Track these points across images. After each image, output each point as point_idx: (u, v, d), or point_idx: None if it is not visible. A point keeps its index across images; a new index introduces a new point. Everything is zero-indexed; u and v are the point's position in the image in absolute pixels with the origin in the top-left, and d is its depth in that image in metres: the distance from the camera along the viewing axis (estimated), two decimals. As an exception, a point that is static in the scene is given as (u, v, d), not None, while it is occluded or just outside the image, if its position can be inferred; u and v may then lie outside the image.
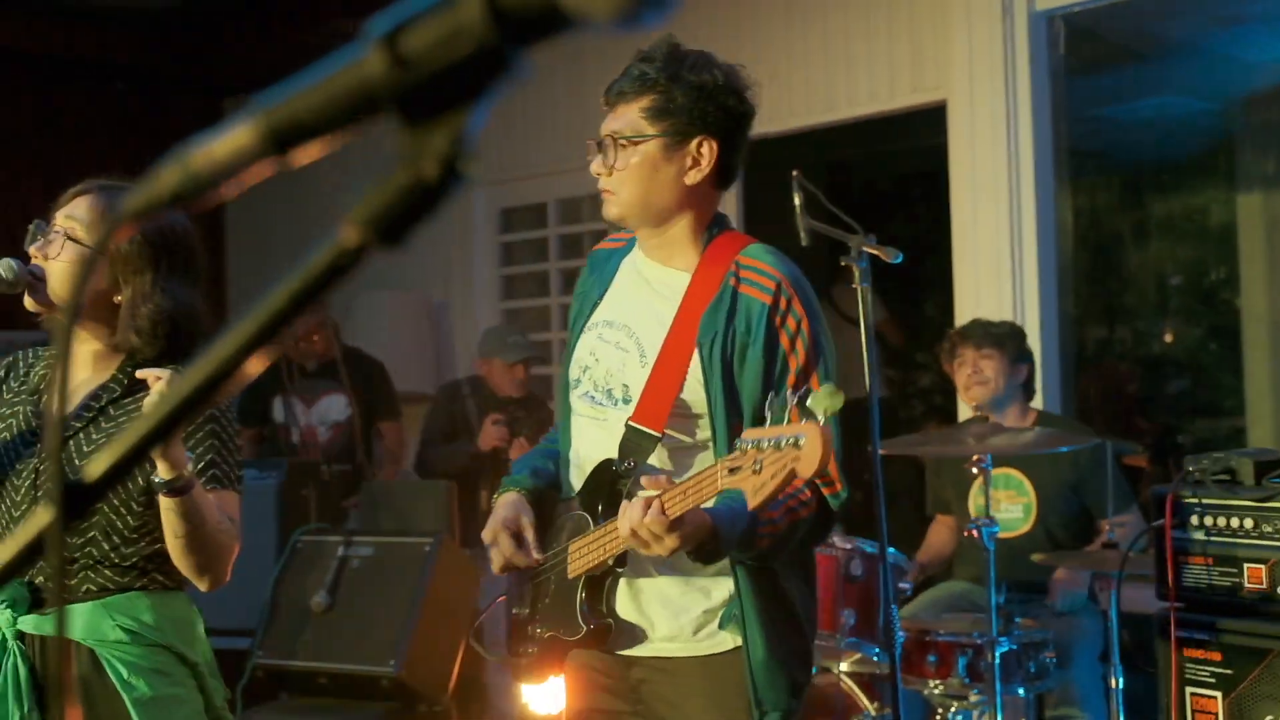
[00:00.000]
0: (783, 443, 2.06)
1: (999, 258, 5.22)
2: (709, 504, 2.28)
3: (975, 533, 3.79)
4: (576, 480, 2.60)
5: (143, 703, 2.47)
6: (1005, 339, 4.60)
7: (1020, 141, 5.20)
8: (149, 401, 2.30)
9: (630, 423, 2.48)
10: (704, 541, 2.28)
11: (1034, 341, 5.12)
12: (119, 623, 2.50)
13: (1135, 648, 3.87)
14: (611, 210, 2.54)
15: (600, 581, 2.50)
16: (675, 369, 2.47)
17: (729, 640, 2.48)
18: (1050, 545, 4.43)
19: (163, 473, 2.33)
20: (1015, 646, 3.92)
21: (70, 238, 2.54)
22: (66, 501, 0.69)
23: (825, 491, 2.41)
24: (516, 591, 2.67)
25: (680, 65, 2.47)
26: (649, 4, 0.60)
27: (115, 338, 2.57)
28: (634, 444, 2.47)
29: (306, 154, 0.66)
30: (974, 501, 4.49)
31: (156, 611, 2.54)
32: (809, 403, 2.07)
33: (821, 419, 2.06)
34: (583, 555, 2.48)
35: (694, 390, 2.45)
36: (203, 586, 2.51)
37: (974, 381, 4.55)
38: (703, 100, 2.45)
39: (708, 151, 2.47)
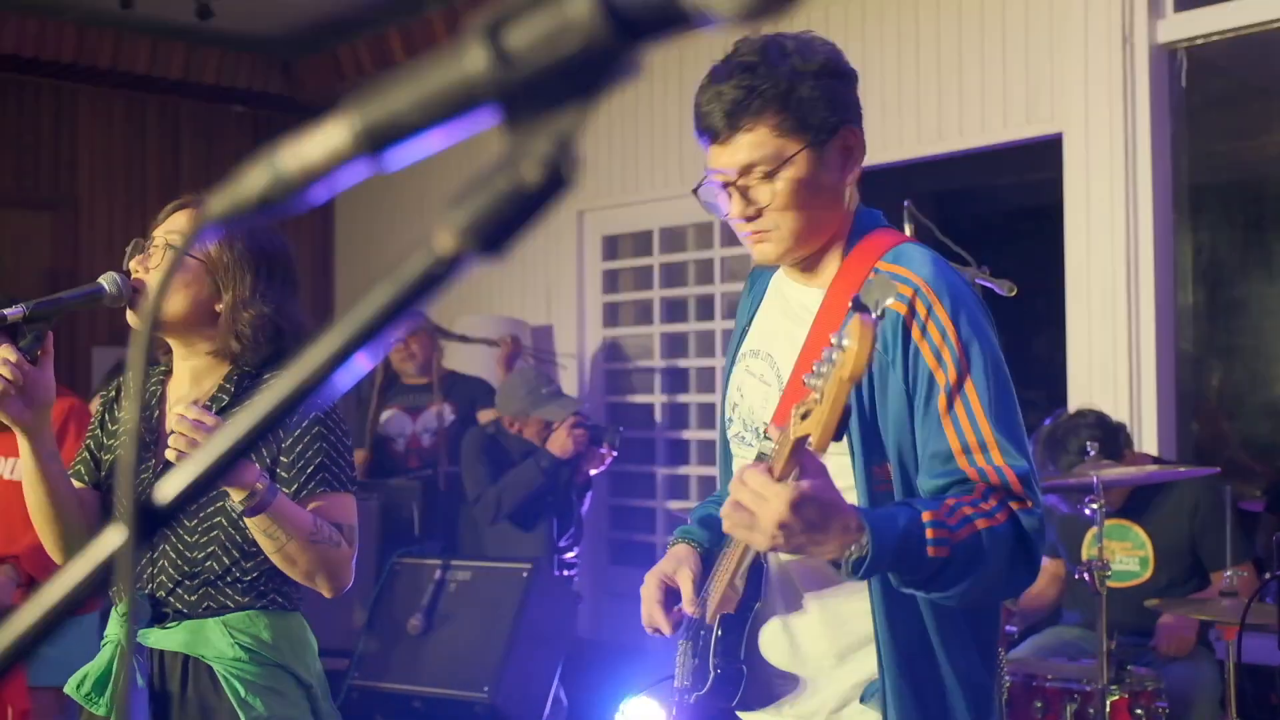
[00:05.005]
0: (832, 355, 1.65)
1: (1114, 296, 5.09)
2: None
3: (1088, 575, 3.68)
4: None
5: None
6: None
7: (1138, 177, 5.07)
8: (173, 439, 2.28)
9: (766, 433, 2.03)
10: (847, 536, 1.80)
11: (1149, 382, 5.00)
12: (237, 640, 2.51)
13: (1255, 700, 3.72)
14: (770, 252, 2.13)
15: (738, 622, 2.14)
16: (805, 392, 1.91)
17: (870, 716, 2.08)
18: (1169, 596, 4.30)
19: (234, 497, 2.33)
20: (1126, 695, 3.79)
21: (171, 246, 2.56)
22: (140, 522, 0.65)
23: (1014, 506, 1.93)
24: (680, 658, 2.26)
25: (785, 57, 2.04)
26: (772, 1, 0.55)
27: (216, 344, 2.58)
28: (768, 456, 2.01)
29: (402, 156, 0.62)
30: (1087, 550, 4.38)
31: (275, 630, 2.55)
32: (861, 298, 1.71)
33: (875, 311, 1.68)
34: (714, 593, 2.12)
35: None
36: (325, 593, 2.51)
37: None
38: (831, 81, 2.06)
39: (855, 140, 2.10)
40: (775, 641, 2.17)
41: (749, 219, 2.11)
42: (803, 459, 1.77)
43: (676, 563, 2.19)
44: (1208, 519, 4.33)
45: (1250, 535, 4.95)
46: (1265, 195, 6.84)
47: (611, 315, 7.24)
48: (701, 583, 2.17)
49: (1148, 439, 4.98)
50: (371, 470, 6.16)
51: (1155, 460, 4.56)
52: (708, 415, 6.73)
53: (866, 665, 2.07)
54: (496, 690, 4.44)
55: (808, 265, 2.19)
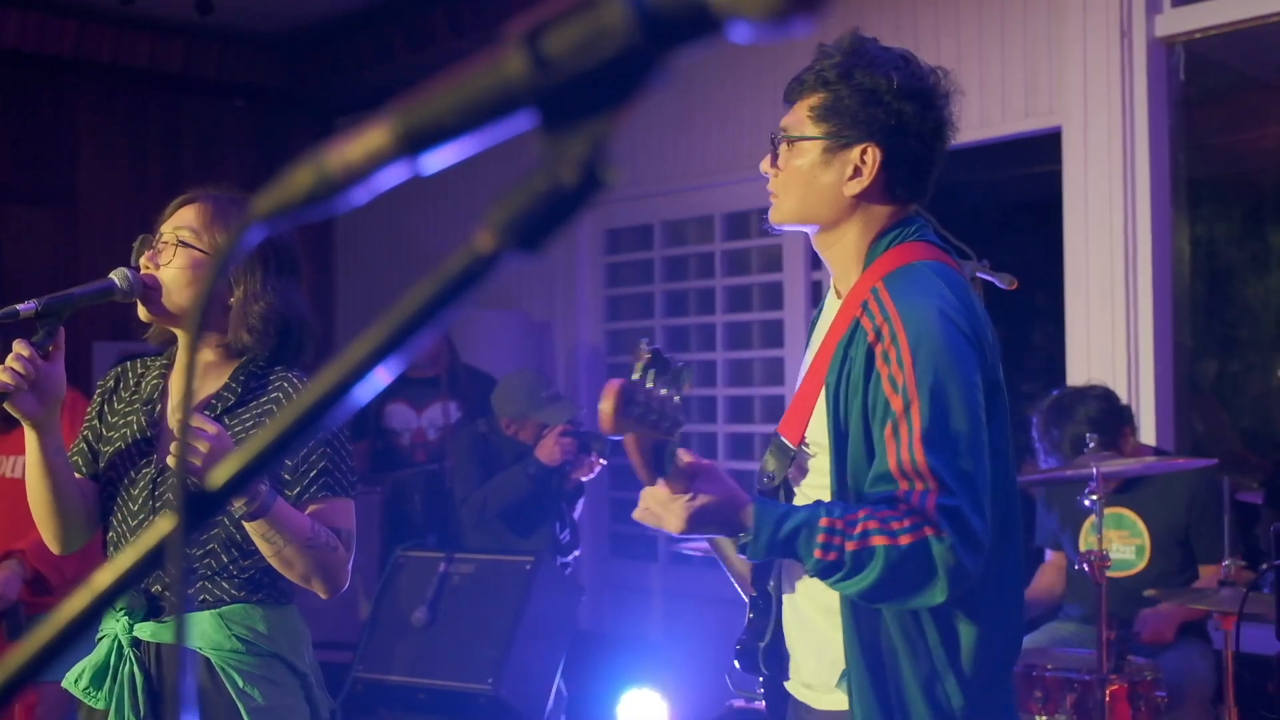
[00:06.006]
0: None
1: (1113, 288, 5.12)
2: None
3: (1087, 567, 3.71)
4: None
5: (258, 711, 2.50)
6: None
7: (1137, 170, 5.09)
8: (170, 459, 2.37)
9: (776, 433, 2.32)
10: (734, 523, 2.06)
11: (1147, 374, 5.02)
12: (235, 632, 2.53)
13: (1252, 690, 3.75)
14: (772, 215, 2.34)
15: (763, 603, 2.37)
16: (808, 401, 2.27)
17: (844, 700, 2.23)
18: (1163, 585, 4.33)
19: (234, 501, 2.36)
20: (1125, 684, 3.82)
21: (182, 243, 2.58)
22: (190, 512, 0.68)
23: (928, 531, 2.03)
24: None
25: (856, 62, 2.25)
26: (801, 4, 0.58)
27: (227, 338, 2.60)
28: (775, 456, 2.31)
29: (440, 158, 0.65)
30: (1085, 539, 4.41)
31: (270, 622, 2.58)
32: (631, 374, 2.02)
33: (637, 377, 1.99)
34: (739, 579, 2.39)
35: (819, 428, 2.23)
36: (321, 595, 2.55)
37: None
38: (871, 104, 2.22)
39: (870, 160, 2.23)
40: (786, 616, 2.36)
41: (771, 174, 2.33)
42: (698, 471, 2.07)
43: None
44: (1204, 512, 4.36)
45: (1249, 527, 4.98)
46: (1262, 188, 6.87)
47: (613, 309, 7.27)
48: None
49: (1146, 430, 5.01)
50: (374, 463, 6.18)
51: (1154, 451, 4.59)
52: (708, 408, 6.76)
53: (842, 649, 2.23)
54: (500, 682, 4.47)
55: (835, 267, 2.36)
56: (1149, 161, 5.07)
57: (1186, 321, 5.39)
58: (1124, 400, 4.64)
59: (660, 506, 2.06)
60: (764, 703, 2.43)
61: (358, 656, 4.75)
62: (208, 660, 2.52)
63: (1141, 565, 4.44)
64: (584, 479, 5.24)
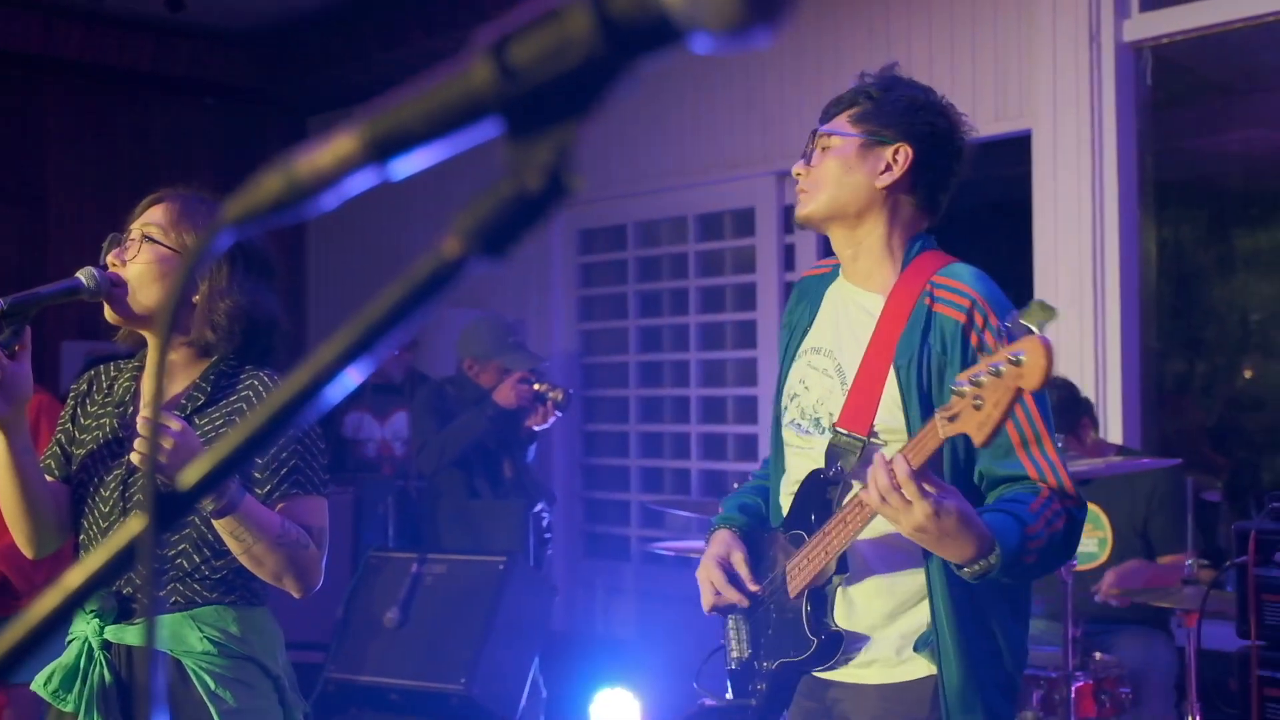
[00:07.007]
0: (1000, 368, 2.00)
1: (1081, 290, 5.16)
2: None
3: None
4: (786, 505, 2.54)
5: (230, 714, 2.49)
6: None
7: (1105, 173, 5.13)
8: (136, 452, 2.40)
9: (836, 428, 2.42)
10: (975, 550, 2.16)
11: (1114, 374, 5.07)
12: (206, 634, 2.52)
13: (1213, 686, 3.79)
14: (801, 210, 2.51)
15: (823, 593, 2.45)
16: (872, 390, 2.39)
17: (922, 667, 2.38)
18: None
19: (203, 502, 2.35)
20: (1091, 681, 3.85)
21: (149, 238, 2.57)
22: (159, 511, 0.69)
23: (1069, 504, 2.31)
24: (734, 635, 2.60)
25: (896, 82, 2.52)
26: (761, 16, 0.59)
27: (191, 336, 2.59)
28: (840, 450, 2.41)
29: (408, 164, 0.66)
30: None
31: (242, 624, 2.56)
32: (1021, 319, 2.07)
33: (1037, 331, 2.02)
34: (802, 570, 2.44)
35: (892, 414, 2.37)
36: (293, 593, 2.55)
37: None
38: (908, 111, 2.46)
39: (902, 158, 2.43)
40: (839, 609, 2.47)
41: (799, 176, 2.50)
42: (937, 480, 2.15)
43: (726, 547, 2.54)
44: (1162, 504, 4.40)
45: (1211, 526, 5.03)
46: (1227, 191, 6.93)
47: (586, 309, 7.27)
48: (753, 562, 2.51)
49: (1113, 429, 5.05)
50: (333, 470, 6.16)
51: (1119, 450, 4.63)
52: (681, 409, 6.77)
53: (913, 622, 2.39)
54: (473, 682, 4.47)
55: (860, 264, 2.51)
56: (1117, 164, 5.12)
57: (1153, 323, 5.44)
58: (1092, 399, 4.68)
59: (903, 501, 2.11)
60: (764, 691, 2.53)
61: (329, 657, 4.75)
62: (179, 662, 2.50)
63: (1104, 557, 4.47)
64: (536, 427, 5.40)
